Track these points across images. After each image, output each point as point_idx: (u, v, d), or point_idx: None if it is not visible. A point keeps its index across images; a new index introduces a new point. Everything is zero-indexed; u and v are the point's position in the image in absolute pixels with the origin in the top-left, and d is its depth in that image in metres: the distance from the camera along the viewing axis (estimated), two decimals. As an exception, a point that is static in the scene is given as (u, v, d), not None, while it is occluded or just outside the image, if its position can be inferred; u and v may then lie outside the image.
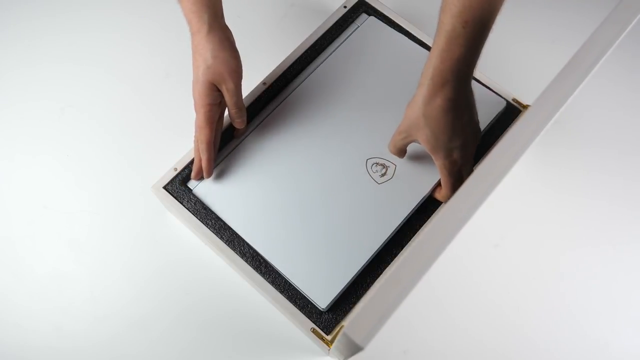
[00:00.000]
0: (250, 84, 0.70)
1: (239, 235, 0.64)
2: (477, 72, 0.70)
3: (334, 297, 0.60)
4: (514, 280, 0.69)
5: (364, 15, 0.75)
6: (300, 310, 0.61)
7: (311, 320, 0.61)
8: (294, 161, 0.67)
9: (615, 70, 0.80)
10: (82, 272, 0.69)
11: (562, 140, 0.76)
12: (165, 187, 0.66)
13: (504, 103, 0.70)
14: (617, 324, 0.68)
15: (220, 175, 0.67)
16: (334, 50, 0.73)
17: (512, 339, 0.67)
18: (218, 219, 0.65)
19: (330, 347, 0.59)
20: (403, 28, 0.75)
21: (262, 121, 0.69)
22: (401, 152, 0.64)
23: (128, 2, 0.85)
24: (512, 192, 0.72)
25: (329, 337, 0.60)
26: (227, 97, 0.62)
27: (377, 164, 0.66)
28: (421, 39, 0.74)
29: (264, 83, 0.71)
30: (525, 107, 0.70)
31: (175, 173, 0.67)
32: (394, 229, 0.63)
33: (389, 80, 0.71)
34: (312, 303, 0.61)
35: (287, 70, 0.72)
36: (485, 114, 0.68)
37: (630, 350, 0.66)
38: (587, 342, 0.67)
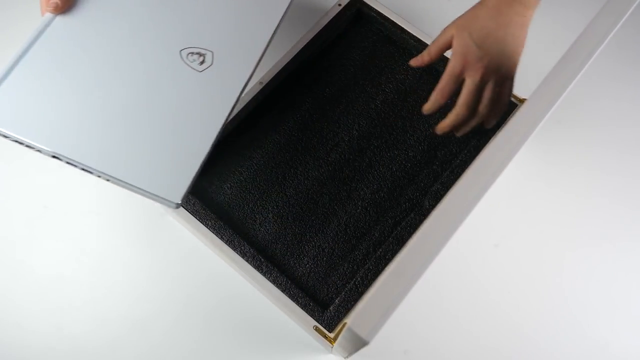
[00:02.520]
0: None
1: (238, 235, 0.64)
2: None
3: (186, 189, 0.57)
4: (514, 280, 0.69)
5: None
6: (302, 308, 0.61)
7: (313, 318, 0.61)
8: (105, 63, 0.61)
9: (615, 65, 0.80)
10: (82, 273, 0.69)
11: (562, 138, 0.76)
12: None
13: None
14: (617, 324, 0.68)
15: (21, 86, 0.58)
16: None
17: (512, 338, 0.67)
18: (217, 219, 0.65)
19: (334, 345, 0.59)
20: (397, 24, 0.75)
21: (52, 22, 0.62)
22: (439, 50, 0.65)
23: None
24: (511, 191, 0.73)
25: (331, 335, 0.60)
26: None
27: (192, 53, 0.64)
28: (416, 35, 0.74)
29: (260, 82, 0.71)
30: (522, 100, 0.70)
31: (173, 174, 0.67)
32: (228, 111, 0.62)
33: None
34: (315, 301, 0.62)
35: (283, 69, 0.72)
36: None
37: (630, 350, 0.66)
38: (587, 342, 0.67)
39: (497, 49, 0.60)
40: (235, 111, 0.69)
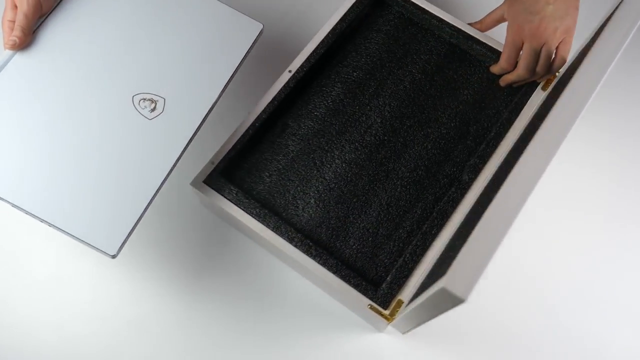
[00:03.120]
0: (276, 72, 0.71)
1: (284, 222, 0.65)
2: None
3: (123, 240, 0.57)
4: (515, 278, 0.70)
5: None
6: (355, 288, 0.62)
7: (367, 297, 0.62)
8: (56, 106, 0.61)
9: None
10: (83, 273, 0.69)
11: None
12: (205, 182, 0.66)
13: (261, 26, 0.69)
14: (617, 324, 0.68)
15: None
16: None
17: (512, 338, 0.67)
18: (262, 207, 0.65)
19: (391, 321, 0.60)
20: (418, 5, 0.76)
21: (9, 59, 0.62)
22: (494, 21, 0.73)
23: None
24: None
25: (387, 312, 0.61)
26: (17, 15, 0.62)
27: (144, 99, 0.64)
28: (438, 15, 0.75)
29: (289, 71, 0.72)
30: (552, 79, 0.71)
31: (213, 166, 0.67)
32: (174, 160, 0.62)
33: (144, 17, 0.68)
34: (367, 281, 0.62)
35: (310, 56, 0.72)
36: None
37: (630, 350, 0.67)
38: (588, 342, 0.67)
39: (550, 11, 0.64)
40: (267, 100, 0.70)
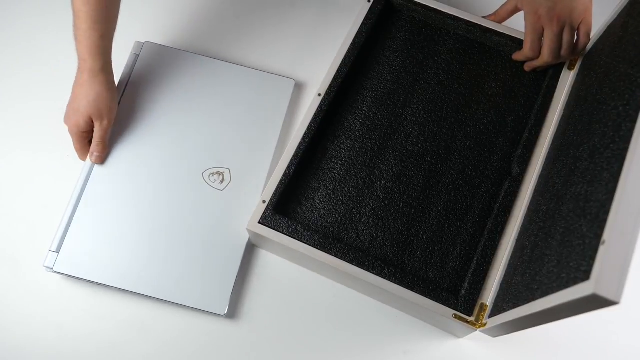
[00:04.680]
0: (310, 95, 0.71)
1: (349, 247, 0.63)
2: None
3: (229, 300, 0.65)
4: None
5: (139, 44, 0.77)
6: (436, 300, 0.61)
7: (450, 307, 0.61)
8: (140, 196, 0.70)
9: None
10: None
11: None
12: (261, 222, 0.64)
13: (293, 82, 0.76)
14: (617, 324, 0.68)
15: (77, 236, 0.67)
16: None
17: (512, 338, 0.66)
18: (324, 237, 0.64)
19: (480, 327, 0.60)
20: (430, 7, 0.76)
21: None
22: (508, 13, 0.73)
23: (130, 1, 0.81)
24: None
25: (472, 318, 0.60)
26: (98, 131, 0.69)
27: (212, 173, 0.71)
28: (452, 14, 0.75)
29: (319, 94, 0.71)
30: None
31: (265, 205, 0.65)
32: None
33: (191, 100, 0.75)
34: (443, 290, 0.62)
35: (336, 77, 0.71)
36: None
37: (630, 350, 0.67)
38: (588, 342, 0.67)
39: None
40: (304, 128, 0.68)
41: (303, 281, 0.70)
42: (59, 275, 0.67)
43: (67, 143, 0.71)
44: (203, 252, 0.67)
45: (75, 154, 0.72)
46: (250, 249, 0.70)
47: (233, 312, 0.68)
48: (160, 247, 0.67)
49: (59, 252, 0.66)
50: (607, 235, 0.37)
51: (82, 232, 0.67)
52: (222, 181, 0.70)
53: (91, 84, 0.67)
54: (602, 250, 0.36)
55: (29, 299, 0.67)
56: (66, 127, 0.70)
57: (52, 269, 0.66)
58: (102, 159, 0.70)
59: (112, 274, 0.66)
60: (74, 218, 0.68)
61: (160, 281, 0.66)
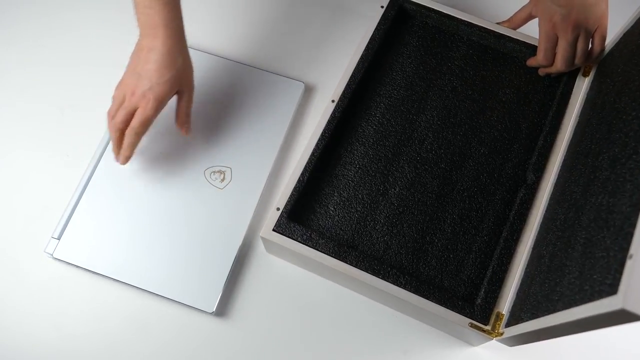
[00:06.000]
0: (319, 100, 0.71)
1: (363, 255, 0.63)
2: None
3: (218, 298, 0.65)
4: None
5: None
6: (452, 309, 0.61)
7: (465, 316, 0.61)
8: (142, 190, 0.71)
9: None
10: (83, 272, 0.68)
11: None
12: (275, 229, 0.64)
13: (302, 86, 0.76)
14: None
15: (79, 226, 0.69)
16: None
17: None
18: (339, 244, 0.63)
19: (496, 336, 0.59)
20: (443, 13, 0.75)
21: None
22: (522, 20, 0.73)
23: (129, 2, 0.81)
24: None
25: (488, 327, 0.60)
26: (185, 102, 0.68)
27: (214, 172, 0.71)
28: (465, 19, 0.75)
29: (332, 101, 0.70)
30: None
31: (279, 212, 0.65)
32: (249, 222, 0.69)
33: (198, 98, 0.73)
34: (459, 299, 0.61)
35: (349, 83, 0.71)
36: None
37: (630, 350, 0.67)
38: (588, 342, 0.67)
39: (579, 1, 0.64)
40: (318, 134, 0.68)
41: (301, 282, 0.69)
42: (58, 263, 0.68)
43: (67, 143, 0.72)
44: (198, 248, 0.68)
45: (75, 154, 0.71)
46: (246, 249, 0.70)
47: (223, 311, 0.67)
48: (156, 241, 0.68)
49: (59, 239, 0.68)
50: (634, 249, 0.36)
51: (83, 222, 0.69)
52: (222, 180, 0.70)
53: (177, 52, 0.64)
54: (629, 264, 0.36)
55: (29, 288, 0.68)
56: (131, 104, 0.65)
57: (52, 255, 0.67)
58: (126, 162, 0.68)
59: (109, 264, 0.67)
60: (77, 208, 0.70)
61: (153, 275, 0.67)
